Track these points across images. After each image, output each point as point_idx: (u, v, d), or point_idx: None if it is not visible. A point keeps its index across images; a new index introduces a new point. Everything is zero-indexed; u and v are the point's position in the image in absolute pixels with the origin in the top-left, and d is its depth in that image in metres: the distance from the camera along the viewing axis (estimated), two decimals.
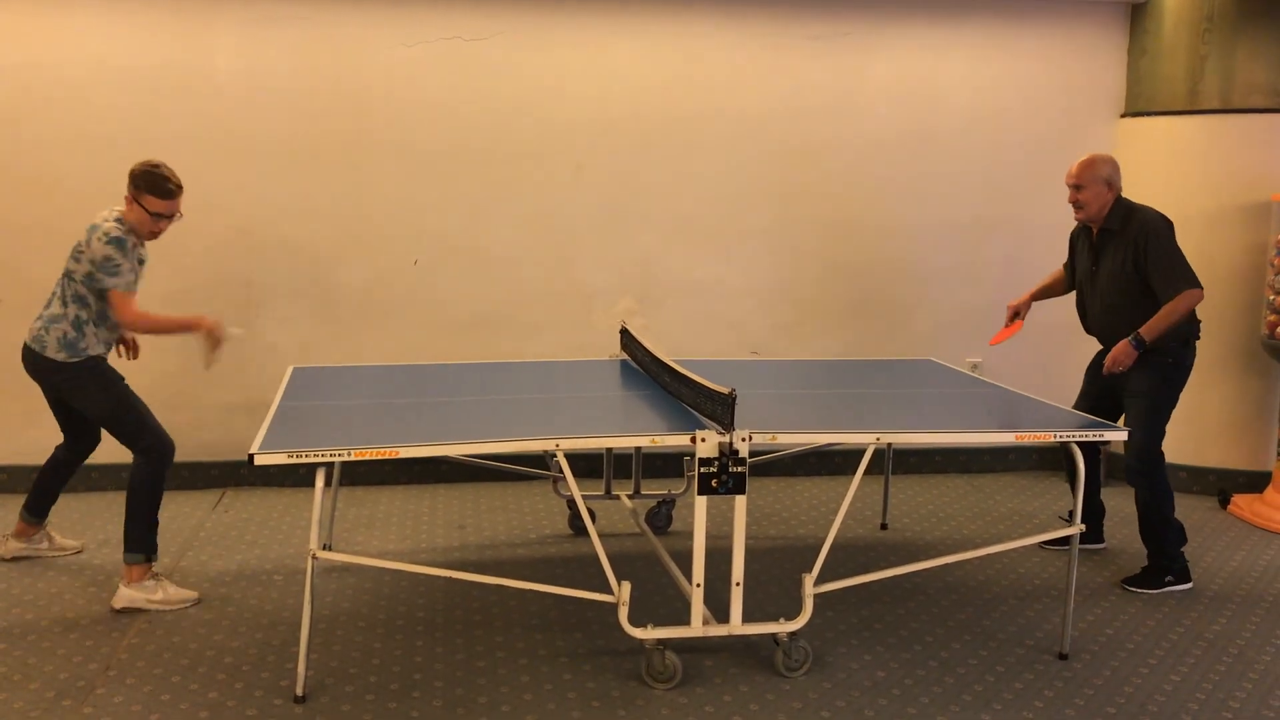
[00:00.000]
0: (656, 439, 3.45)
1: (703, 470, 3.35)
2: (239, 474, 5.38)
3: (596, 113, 5.43)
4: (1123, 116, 5.74)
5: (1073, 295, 4.60)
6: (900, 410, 4.15)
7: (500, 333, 5.47)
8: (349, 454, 3.23)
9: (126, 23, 5.03)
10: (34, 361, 4.00)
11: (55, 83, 5.02)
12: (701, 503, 3.38)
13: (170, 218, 3.96)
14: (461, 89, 5.31)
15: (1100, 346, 4.56)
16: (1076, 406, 4.58)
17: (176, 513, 4.95)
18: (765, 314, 5.70)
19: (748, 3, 5.45)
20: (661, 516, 4.85)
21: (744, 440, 3.35)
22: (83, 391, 4.01)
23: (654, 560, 4.38)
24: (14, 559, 4.38)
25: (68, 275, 3.97)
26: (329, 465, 3.27)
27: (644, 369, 4.42)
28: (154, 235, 3.98)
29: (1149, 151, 5.58)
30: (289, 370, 4.45)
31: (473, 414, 3.84)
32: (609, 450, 4.72)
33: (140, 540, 3.98)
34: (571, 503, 4.81)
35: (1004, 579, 4.39)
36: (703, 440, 3.34)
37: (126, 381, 4.08)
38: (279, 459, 3.18)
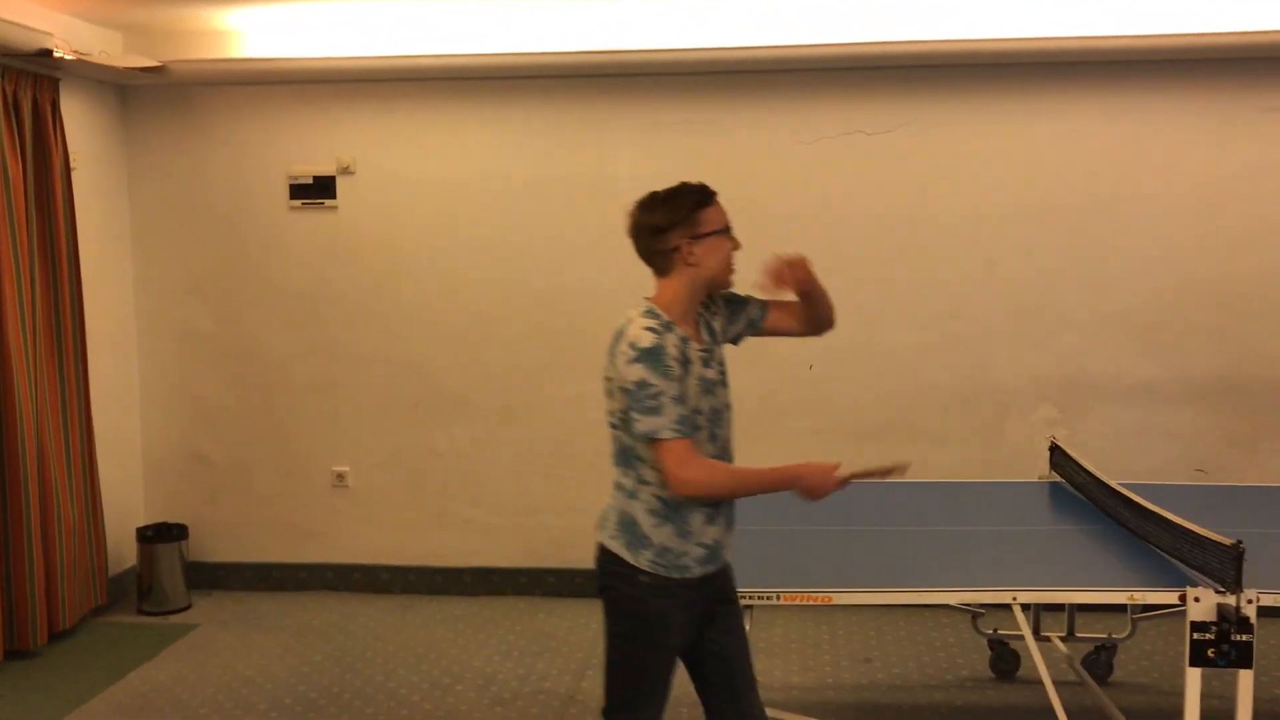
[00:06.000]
0: (1136, 595, 2.91)
1: (1196, 637, 2.78)
2: None
3: (1011, 201, 4.95)
4: None
5: None
6: None
7: (901, 443, 5.03)
8: (778, 598, 2.94)
9: (531, 139, 5.12)
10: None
11: (469, 195, 5.19)
12: (1195, 676, 2.80)
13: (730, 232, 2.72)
14: (860, 184, 5.01)
15: None
16: None
17: (574, 624, 4.85)
18: (1213, 424, 4.92)
19: (1189, 74, 4.80)
20: (1101, 664, 4.19)
21: (1250, 603, 2.75)
22: (607, 608, 2.64)
23: (1097, 714, 3.76)
24: None
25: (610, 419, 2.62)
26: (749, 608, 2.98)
27: (1086, 495, 3.86)
28: (731, 273, 2.78)
29: None
30: None
31: (884, 547, 3.47)
32: None
33: None
34: (995, 643, 4.27)
35: None
36: (1196, 600, 2.78)
37: (674, 639, 2.60)
38: None
